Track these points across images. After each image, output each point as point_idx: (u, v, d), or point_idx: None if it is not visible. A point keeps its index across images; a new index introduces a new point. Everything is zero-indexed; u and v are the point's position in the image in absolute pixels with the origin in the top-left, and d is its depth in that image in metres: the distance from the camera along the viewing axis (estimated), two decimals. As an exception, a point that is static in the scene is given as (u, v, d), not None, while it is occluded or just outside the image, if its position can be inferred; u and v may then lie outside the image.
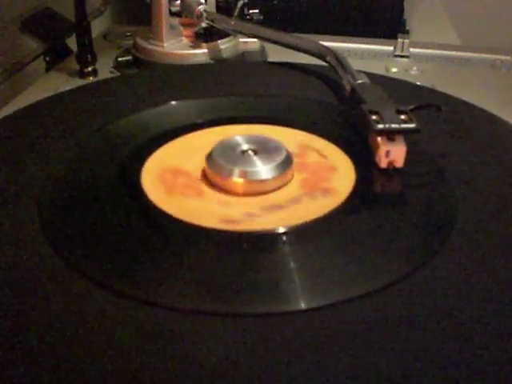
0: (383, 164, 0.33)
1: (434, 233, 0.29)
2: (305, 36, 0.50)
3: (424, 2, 0.75)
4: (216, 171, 0.32)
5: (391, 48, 0.58)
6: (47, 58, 0.57)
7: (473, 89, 0.50)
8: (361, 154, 0.35)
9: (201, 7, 0.52)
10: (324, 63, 0.46)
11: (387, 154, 0.33)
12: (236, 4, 0.55)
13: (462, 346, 0.23)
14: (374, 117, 0.34)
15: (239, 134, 0.35)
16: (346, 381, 0.22)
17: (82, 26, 0.52)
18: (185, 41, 0.54)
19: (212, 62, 0.53)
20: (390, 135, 0.33)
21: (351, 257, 0.28)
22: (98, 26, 0.63)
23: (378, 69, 0.53)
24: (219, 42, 0.53)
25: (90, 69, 0.53)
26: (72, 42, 0.56)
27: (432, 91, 0.46)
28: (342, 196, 0.32)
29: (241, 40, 0.55)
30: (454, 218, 0.30)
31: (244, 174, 0.32)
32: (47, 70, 0.56)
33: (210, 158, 0.33)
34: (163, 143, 0.36)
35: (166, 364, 0.22)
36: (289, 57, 0.50)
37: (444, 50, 0.59)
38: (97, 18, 0.66)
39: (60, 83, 0.51)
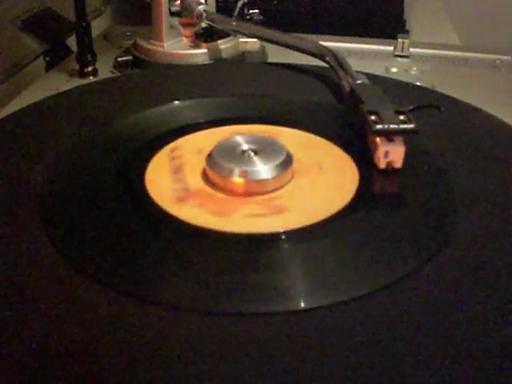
0: (382, 164, 0.33)
1: (434, 233, 0.29)
2: (305, 36, 0.50)
3: (424, 1, 0.75)
4: (216, 171, 0.32)
5: (391, 48, 0.58)
6: (47, 58, 0.57)
7: (473, 89, 0.50)
8: (362, 153, 0.35)
9: (201, 7, 0.52)
10: (324, 63, 0.46)
11: (386, 154, 0.33)
12: (236, 4, 0.55)
13: (461, 346, 0.23)
14: (372, 117, 0.34)
15: (239, 134, 0.35)
16: (346, 381, 0.22)
17: (81, 26, 0.52)
18: (185, 41, 0.54)
19: (212, 62, 0.53)
20: (388, 136, 0.33)
21: (351, 257, 0.28)
22: (97, 26, 0.63)
23: (377, 69, 0.53)
24: (219, 42, 0.53)
25: (90, 69, 0.53)
26: (72, 42, 0.56)
27: (432, 91, 0.46)
28: (343, 197, 0.32)
29: (241, 40, 0.55)
30: (453, 219, 0.30)
31: (244, 174, 0.32)
32: (47, 70, 0.56)
33: (210, 157, 0.33)
34: (164, 143, 0.36)
35: (165, 363, 0.22)
36: (289, 57, 0.50)
37: (444, 49, 0.59)
38: (97, 18, 0.66)
39: (60, 83, 0.51)
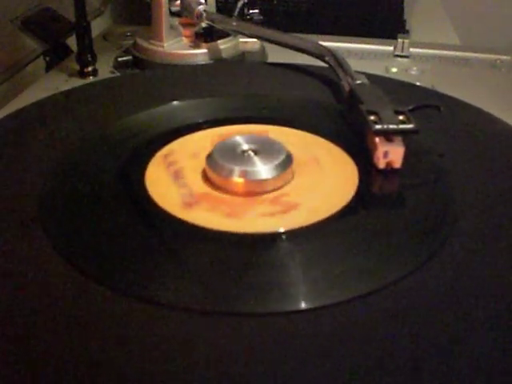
0: (381, 165, 0.33)
1: (434, 233, 0.29)
2: (304, 36, 0.50)
3: (424, 2, 0.75)
4: (216, 171, 0.32)
5: (391, 48, 0.58)
6: (47, 58, 0.57)
7: (473, 89, 0.50)
8: (361, 153, 0.35)
9: (201, 7, 0.52)
10: (324, 63, 0.46)
11: (385, 154, 0.33)
12: (236, 4, 0.55)
13: (461, 346, 0.23)
14: (372, 117, 0.34)
15: (239, 134, 0.35)
16: (347, 380, 0.22)
17: (82, 26, 0.52)
18: (185, 41, 0.54)
19: (212, 61, 0.53)
20: (388, 136, 0.33)
21: (351, 257, 0.28)
22: (97, 26, 0.63)
23: (377, 69, 0.53)
24: (219, 42, 0.53)
25: (90, 69, 0.53)
26: (72, 42, 0.56)
27: (432, 91, 0.46)
28: (343, 197, 0.32)
29: (241, 40, 0.55)
30: (453, 219, 0.30)
31: (244, 174, 0.32)
32: (47, 70, 0.56)
33: (210, 158, 0.33)
34: (163, 144, 0.36)
35: (166, 364, 0.22)
36: (289, 57, 0.50)
37: (444, 49, 0.59)
38: (97, 18, 0.66)
39: (60, 83, 0.51)
